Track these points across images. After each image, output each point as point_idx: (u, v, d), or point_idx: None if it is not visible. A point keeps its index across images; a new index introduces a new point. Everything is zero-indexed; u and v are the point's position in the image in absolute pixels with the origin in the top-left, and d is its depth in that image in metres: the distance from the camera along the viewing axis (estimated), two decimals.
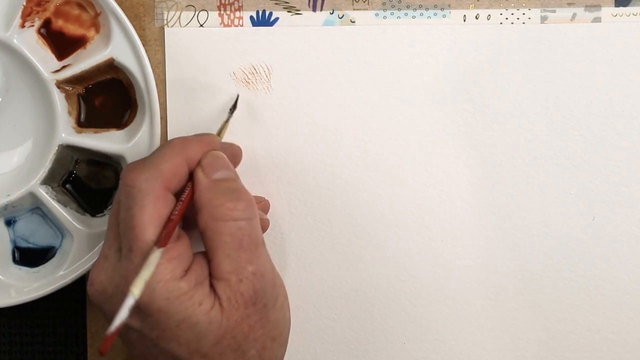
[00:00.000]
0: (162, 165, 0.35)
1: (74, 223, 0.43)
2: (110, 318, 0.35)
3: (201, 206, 0.36)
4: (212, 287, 0.35)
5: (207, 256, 0.36)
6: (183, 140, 0.37)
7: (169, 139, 0.44)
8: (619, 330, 0.45)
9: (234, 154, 0.41)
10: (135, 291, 0.33)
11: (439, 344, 0.45)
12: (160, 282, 0.34)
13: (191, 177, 0.37)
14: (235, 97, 0.43)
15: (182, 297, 0.34)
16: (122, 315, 0.32)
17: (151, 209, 0.34)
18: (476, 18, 0.44)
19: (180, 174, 0.36)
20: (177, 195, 0.36)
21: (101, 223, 0.44)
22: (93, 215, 0.45)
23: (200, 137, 0.38)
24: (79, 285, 0.44)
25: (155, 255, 0.33)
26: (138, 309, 0.34)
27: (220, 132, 0.41)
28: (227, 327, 0.35)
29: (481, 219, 0.44)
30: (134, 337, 0.35)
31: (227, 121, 0.42)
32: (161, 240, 0.34)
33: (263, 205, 0.43)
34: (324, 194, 0.44)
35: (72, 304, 0.46)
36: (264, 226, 0.42)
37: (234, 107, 0.43)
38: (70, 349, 0.47)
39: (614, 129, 0.44)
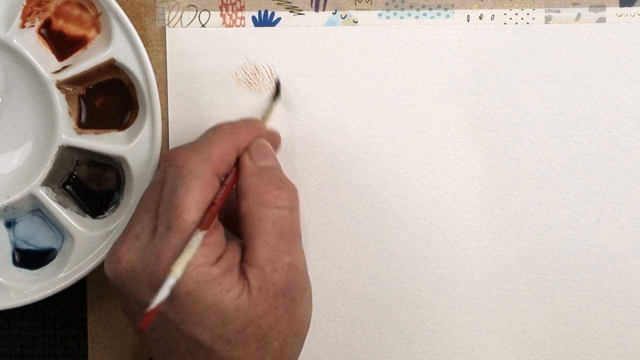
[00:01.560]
0: (212, 150, 0.36)
1: (75, 225, 0.43)
2: (133, 298, 0.35)
3: (246, 191, 0.36)
4: (243, 273, 0.35)
5: (241, 243, 0.36)
6: (232, 126, 0.38)
7: (170, 140, 0.44)
8: (624, 333, 0.45)
9: (275, 142, 0.41)
10: (177, 271, 0.33)
11: (443, 346, 0.45)
12: (192, 265, 0.34)
13: (236, 162, 0.37)
14: (276, 83, 0.43)
15: (211, 282, 0.34)
16: (164, 293, 0.32)
17: (198, 192, 0.34)
18: (480, 18, 0.43)
19: (228, 160, 0.36)
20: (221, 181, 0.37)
21: (102, 225, 0.44)
22: (94, 217, 0.45)
23: (247, 123, 0.39)
24: (80, 287, 0.45)
25: (198, 238, 0.34)
26: None
27: (264, 119, 0.41)
28: (254, 315, 0.34)
29: (485, 221, 0.44)
30: (156, 319, 0.35)
31: (271, 108, 0.42)
32: (204, 223, 0.34)
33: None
34: (327, 195, 0.44)
35: (72, 307, 0.46)
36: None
37: (277, 93, 0.43)
38: (70, 352, 0.47)
39: (618, 130, 0.44)
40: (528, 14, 0.43)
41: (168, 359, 0.36)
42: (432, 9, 0.43)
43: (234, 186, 0.37)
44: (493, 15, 0.43)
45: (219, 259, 0.35)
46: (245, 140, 0.38)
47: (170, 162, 0.36)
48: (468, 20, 0.43)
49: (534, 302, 0.44)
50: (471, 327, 0.45)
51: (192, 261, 0.34)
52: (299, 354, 0.38)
